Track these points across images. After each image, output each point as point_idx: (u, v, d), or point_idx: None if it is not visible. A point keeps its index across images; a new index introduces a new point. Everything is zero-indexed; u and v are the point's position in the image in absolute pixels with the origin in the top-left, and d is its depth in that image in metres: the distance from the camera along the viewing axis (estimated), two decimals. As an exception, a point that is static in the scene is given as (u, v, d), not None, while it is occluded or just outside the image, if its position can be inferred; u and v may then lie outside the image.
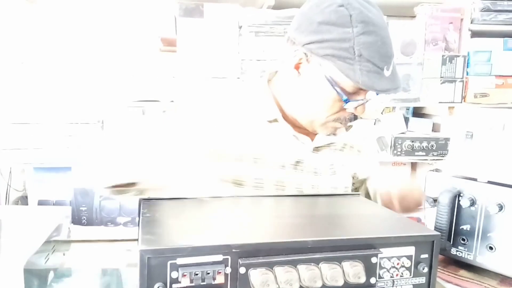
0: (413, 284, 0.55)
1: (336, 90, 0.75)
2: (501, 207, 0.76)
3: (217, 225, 0.59)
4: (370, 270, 0.52)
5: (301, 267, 0.49)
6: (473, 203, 0.79)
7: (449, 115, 1.96)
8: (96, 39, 1.73)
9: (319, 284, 0.49)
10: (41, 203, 1.77)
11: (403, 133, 1.93)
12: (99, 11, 1.69)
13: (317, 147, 0.90)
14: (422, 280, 0.56)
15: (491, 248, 0.77)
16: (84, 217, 1.80)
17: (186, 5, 1.71)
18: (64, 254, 0.75)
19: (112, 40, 1.70)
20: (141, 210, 0.61)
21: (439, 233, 0.57)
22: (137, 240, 0.66)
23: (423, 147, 1.87)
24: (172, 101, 1.73)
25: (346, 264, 0.51)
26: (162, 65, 1.71)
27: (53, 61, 2.00)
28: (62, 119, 1.70)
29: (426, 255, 0.55)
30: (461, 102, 1.87)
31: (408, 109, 2.10)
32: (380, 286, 0.54)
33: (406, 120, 2.00)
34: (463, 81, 1.86)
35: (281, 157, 0.85)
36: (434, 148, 1.87)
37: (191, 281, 0.46)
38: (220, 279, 0.47)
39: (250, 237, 0.51)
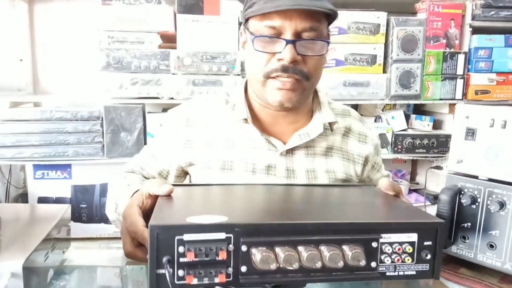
0: (416, 271, 0.55)
1: (254, 43, 0.76)
2: (502, 205, 0.75)
3: (222, 207, 0.62)
4: (371, 254, 0.53)
5: (300, 248, 0.51)
6: (474, 200, 0.79)
7: (449, 112, 1.95)
8: (94, 36, 1.72)
9: (319, 265, 0.51)
10: (41, 200, 1.77)
11: (403, 130, 1.93)
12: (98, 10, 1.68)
13: (291, 150, 0.84)
14: (426, 267, 0.56)
15: (491, 246, 0.77)
16: (84, 214, 1.80)
17: (186, 1, 1.71)
18: (64, 252, 0.75)
19: (112, 36, 1.69)
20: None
21: (443, 221, 0.56)
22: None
23: (423, 144, 1.86)
24: (172, 98, 1.72)
25: (345, 247, 0.52)
26: (162, 62, 1.70)
27: (52, 58, 2.00)
28: (62, 115, 1.70)
29: (429, 242, 0.55)
30: (462, 99, 1.87)
31: (409, 106, 2.10)
32: (381, 270, 0.54)
33: (407, 117, 2.00)
34: (464, 78, 1.85)
35: (251, 162, 0.83)
36: (434, 145, 1.87)
37: (196, 256, 0.49)
38: (222, 255, 0.50)
39: (252, 218, 0.54)
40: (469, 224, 0.80)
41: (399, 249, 0.54)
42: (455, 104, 1.90)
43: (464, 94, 1.87)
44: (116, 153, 1.73)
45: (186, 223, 0.50)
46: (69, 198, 1.79)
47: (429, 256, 0.55)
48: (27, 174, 1.77)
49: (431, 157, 1.92)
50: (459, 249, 0.82)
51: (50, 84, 2.03)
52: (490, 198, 0.77)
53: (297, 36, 0.74)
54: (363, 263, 0.52)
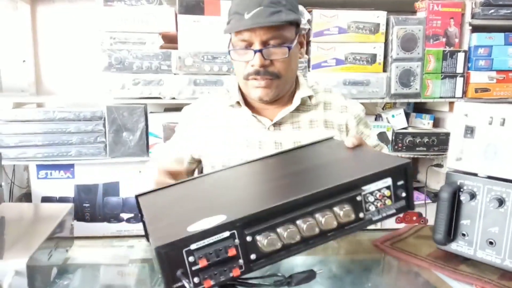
0: (395, 209, 0.64)
1: (230, 52, 0.95)
2: (501, 202, 0.76)
3: (213, 204, 0.63)
4: (357, 207, 0.60)
5: (299, 222, 0.56)
6: (473, 198, 0.80)
7: (449, 110, 1.95)
8: (96, 37, 1.73)
9: (317, 231, 0.57)
10: (44, 200, 1.79)
11: (404, 128, 1.93)
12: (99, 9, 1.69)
13: (278, 125, 1.01)
14: (403, 203, 0.64)
15: (491, 243, 0.78)
16: (87, 213, 1.81)
17: (187, 2, 1.71)
18: (67, 251, 0.76)
19: (114, 37, 1.70)
20: (141, 206, 0.65)
21: (409, 160, 0.64)
22: (143, 236, 0.68)
23: (424, 142, 1.87)
24: (174, 98, 1.73)
25: (336, 209, 0.58)
26: (163, 62, 1.71)
27: (54, 59, 2.02)
28: (65, 116, 1.71)
29: (402, 182, 0.63)
30: (462, 97, 1.87)
31: (409, 105, 2.10)
32: (368, 217, 0.61)
33: (407, 115, 2.00)
34: (464, 76, 1.86)
35: (245, 137, 1.00)
36: (435, 144, 1.87)
37: (208, 260, 0.51)
38: (232, 252, 0.52)
39: (248, 208, 0.56)
40: (469, 221, 0.81)
41: (380, 196, 0.61)
42: (455, 102, 1.90)
43: (464, 92, 1.87)
44: (119, 152, 1.74)
45: (189, 233, 0.50)
46: (72, 198, 1.80)
47: (404, 194, 0.63)
48: (30, 174, 1.79)
49: (432, 155, 1.93)
50: (458, 246, 0.82)
51: (53, 84, 2.04)
52: (489, 195, 0.78)
53: (264, 44, 0.91)
54: (352, 217, 0.59)
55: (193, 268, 0.50)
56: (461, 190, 0.81)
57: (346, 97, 1.11)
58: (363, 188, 0.60)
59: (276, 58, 0.93)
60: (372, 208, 0.61)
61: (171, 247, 0.49)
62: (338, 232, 0.59)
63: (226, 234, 0.52)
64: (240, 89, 1.03)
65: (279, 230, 0.55)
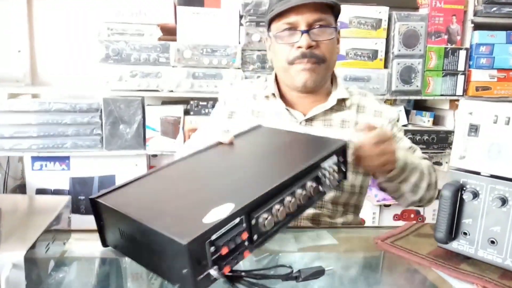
0: (339, 180, 0.80)
1: (277, 38, 0.97)
2: (504, 201, 0.75)
3: (208, 194, 0.66)
4: (319, 181, 0.73)
5: (286, 200, 0.65)
6: (475, 196, 0.79)
7: (450, 108, 1.95)
8: (93, 27, 1.70)
9: (296, 206, 0.67)
10: (39, 192, 1.77)
11: (404, 125, 1.93)
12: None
13: (310, 121, 1.02)
14: (343, 174, 0.81)
15: (492, 242, 0.77)
16: (83, 206, 1.79)
17: (187, -7, 1.69)
18: (64, 244, 0.75)
19: (112, 28, 1.68)
20: (109, 208, 0.65)
21: (346, 140, 0.81)
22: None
23: (424, 140, 1.86)
24: (171, 91, 1.71)
25: (308, 184, 0.70)
26: (161, 54, 1.69)
27: (50, 50, 1.99)
28: (61, 107, 1.68)
29: (342, 158, 0.80)
30: (462, 95, 1.86)
31: (409, 102, 2.10)
32: (325, 188, 0.75)
33: (407, 112, 1.99)
34: (465, 74, 1.85)
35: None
36: (435, 141, 1.87)
37: (228, 248, 0.55)
38: (244, 236, 0.57)
39: (249, 194, 0.61)
40: (471, 220, 0.80)
41: (331, 170, 0.76)
42: (455, 100, 1.90)
43: (465, 90, 1.87)
44: (115, 145, 1.72)
45: (210, 225, 0.53)
46: (67, 190, 1.78)
47: (343, 167, 0.80)
48: (25, 166, 1.77)
49: (431, 153, 1.92)
50: (460, 245, 0.82)
51: (49, 75, 2.02)
52: (492, 194, 0.77)
53: (309, 27, 0.93)
54: (318, 189, 0.72)
55: (213, 257, 0.53)
56: (464, 188, 0.81)
57: (380, 101, 1.11)
58: (321, 165, 0.73)
59: (322, 39, 0.94)
60: (326, 180, 0.75)
61: (195, 242, 0.51)
62: (309, 202, 0.70)
63: (237, 220, 0.56)
64: (276, 81, 1.05)
65: (273, 210, 0.62)
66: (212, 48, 1.70)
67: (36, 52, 2.00)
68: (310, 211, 0.99)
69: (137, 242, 0.62)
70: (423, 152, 1.88)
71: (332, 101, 1.02)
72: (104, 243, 0.71)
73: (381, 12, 1.77)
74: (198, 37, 1.70)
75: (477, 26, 1.85)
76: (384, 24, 1.78)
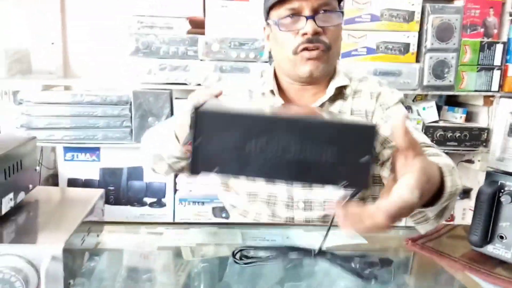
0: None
1: (279, 26, 0.89)
2: (545, 205, 0.72)
3: None
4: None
5: None
6: (514, 199, 0.76)
7: (484, 104, 1.88)
8: (124, 21, 1.72)
9: None
10: (70, 181, 1.82)
11: (435, 121, 1.88)
12: None
13: None
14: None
15: (531, 247, 0.74)
16: (112, 196, 1.84)
17: (216, -14, 1.69)
18: (98, 236, 0.77)
19: (142, 21, 1.70)
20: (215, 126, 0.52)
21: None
22: (170, 223, 0.67)
23: (455, 137, 1.81)
24: (199, 84, 1.72)
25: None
26: (190, 48, 1.70)
27: (82, 43, 2.03)
28: (92, 99, 1.72)
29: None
30: (498, 91, 1.79)
31: (441, 97, 2.04)
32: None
33: (439, 108, 1.94)
34: (501, 69, 1.78)
35: None
36: (467, 139, 1.81)
37: None
38: None
39: None
40: (508, 223, 0.77)
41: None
42: (490, 96, 1.83)
43: (501, 86, 1.80)
44: (144, 137, 1.75)
45: None
46: (97, 181, 1.83)
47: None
48: (57, 156, 1.82)
49: (463, 150, 1.86)
50: (495, 249, 0.79)
51: (80, 68, 2.06)
52: (532, 198, 0.74)
53: (315, 12, 0.86)
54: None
55: None
56: (502, 191, 0.78)
57: (382, 83, 1.02)
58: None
59: (329, 25, 0.87)
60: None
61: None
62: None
63: None
64: (275, 76, 0.98)
65: None
66: (240, 42, 1.70)
67: (69, 45, 2.05)
68: (319, 212, 0.95)
69: (273, 150, 0.49)
70: (454, 150, 1.85)
71: (330, 91, 0.94)
72: (196, 170, 0.51)
73: (414, 4, 1.72)
74: (226, 30, 1.70)
75: (516, 19, 1.77)
76: (417, 17, 1.73)
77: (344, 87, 0.97)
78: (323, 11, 0.86)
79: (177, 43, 1.70)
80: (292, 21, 0.87)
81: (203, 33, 1.72)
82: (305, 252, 0.70)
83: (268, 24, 0.95)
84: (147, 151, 0.94)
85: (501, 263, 0.79)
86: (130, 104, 1.73)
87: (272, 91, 0.96)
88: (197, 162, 0.48)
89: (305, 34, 0.86)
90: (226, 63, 1.71)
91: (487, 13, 1.75)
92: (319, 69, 0.89)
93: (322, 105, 0.95)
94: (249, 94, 0.99)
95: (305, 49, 0.87)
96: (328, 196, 0.95)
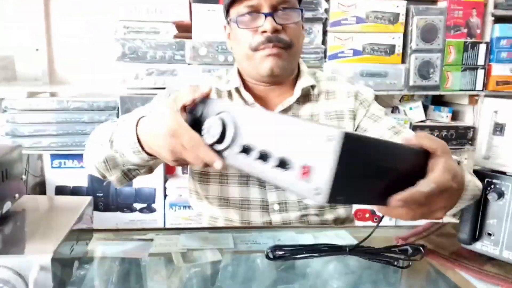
0: None
1: (238, 23, 0.87)
2: (530, 202, 0.73)
3: None
4: None
5: None
6: (501, 197, 0.77)
7: (469, 103, 1.91)
8: (110, 26, 1.71)
9: None
10: (58, 189, 1.80)
11: (422, 121, 1.90)
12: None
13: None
14: None
15: (518, 243, 0.75)
16: (101, 203, 1.82)
17: (202, -10, 1.69)
18: (87, 244, 0.75)
19: (128, 26, 1.69)
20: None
21: None
22: (161, 229, 0.66)
23: (442, 136, 1.83)
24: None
25: None
26: (177, 52, 1.69)
27: (67, 48, 2.01)
28: (79, 105, 1.70)
29: None
30: (482, 90, 1.82)
31: (427, 97, 2.06)
32: None
33: (425, 108, 1.96)
34: (485, 69, 1.81)
35: None
36: (453, 137, 1.84)
37: None
38: None
39: None
40: (495, 220, 0.79)
41: None
42: (475, 95, 1.86)
43: (485, 85, 1.83)
44: (132, 143, 1.74)
45: None
46: (86, 187, 1.81)
47: None
48: (44, 163, 1.80)
49: (450, 149, 1.89)
50: (484, 246, 0.80)
51: (66, 74, 2.04)
52: (518, 194, 0.75)
53: (274, 9, 0.85)
54: None
55: None
56: (489, 188, 0.79)
57: (351, 81, 1.01)
58: None
59: (288, 22, 0.86)
60: None
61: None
62: None
63: None
64: (239, 74, 0.95)
65: None
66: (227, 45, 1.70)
67: (54, 51, 2.02)
68: (295, 213, 0.93)
69: (390, 176, 0.50)
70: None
71: (297, 92, 0.92)
72: (333, 197, 0.44)
73: (399, 6, 1.74)
74: (214, 35, 1.70)
75: (498, 19, 1.80)
76: (402, 18, 1.75)
77: (312, 87, 0.95)
78: (282, 9, 0.85)
79: (164, 47, 1.69)
80: (251, 19, 0.86)
81: (190, 38, 1.71)
82: (338, 248, 0.72)
83: (228, 22, 0.93)
84: (95, 153, 0.77)
85: (490, 259, 0.80)
86: (118, 110, 1.72)
87: (237, 89, 0.93)
88: (336, 188, 0.43)
89: (264, 31, 0.84)
90: (214, 67, 1.71)
91: (470, 13, 1.79)
92: (279, 67, 0.86)
93: (290, 107, 0.93)
94: (216, 93, 0.95)
95: (266, 47, 0.85)
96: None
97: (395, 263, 0.69)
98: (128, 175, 0.79)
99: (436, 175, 0.54)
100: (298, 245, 0.72)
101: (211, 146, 0.59)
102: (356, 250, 0.69)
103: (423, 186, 0.51)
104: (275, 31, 0.84)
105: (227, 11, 0.92)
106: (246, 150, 0.54)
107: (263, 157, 0.51)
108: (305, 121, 0.50)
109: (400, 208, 0.53)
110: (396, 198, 0.49)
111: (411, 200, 0.50)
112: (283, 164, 0.48)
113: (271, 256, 0.68)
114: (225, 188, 0.93)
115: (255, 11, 0.85)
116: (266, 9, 0.84)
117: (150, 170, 0.85)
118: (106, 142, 0.74)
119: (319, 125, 0.45)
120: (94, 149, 0.78)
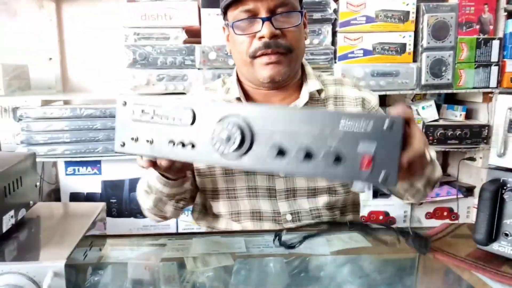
0: None
1: (234, 29, 0.84)
2: (549, 200, 0.71)
3: None
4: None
5: None
6: (518, 196, 0.75)
7: (483, 101, 1.88)
8: (120, 33, 1.73)
9: None
10: (73, 195, 1.82)
11: (435, 120, 1.87)
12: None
13: None
14: None
15: (537, 243, 0.73)
16: (114, 209, 1.84)
17: (210, -5, 1.69)
18: (100, 249, 0.76)
19: (138, 33, 1.70)
20: None
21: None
22: (173, 234, 0.67)
23: (456, 135, 1.80)
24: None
25: None
26: (187, 57, 1.70)
27: (80, 57, 2.04)
28: (91, 112, 1.73)
29: None
30: (496, 87, 1.79)
31: (440, 96, 2.03)
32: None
33: (438, 107, 1.93)
34: (499, 65, 1.77)
35: None
36: (467, 136, 1.80)
37: None
38: None
39: None
40: (512, 220, 0.77)
41: None
42: (489, 92, 1.82)
43: (499, 82, 1.79)
44: (144, 148, 1.75)
45: None
46: (99, 194, 1.83)
47: None
48: (59, 170, 1.82)
49: (464, 148, 1.86)
50: (501, 246, 0.79)
51: (79, 81, 2.07)
52: (535, 193, 0.73)
53: (272, 13, 0.81)
54: None
55: None
56: (505, 188, 0.77)
57: (358, 86, 0.99)
58: None
59: (287, 26, 0.82)
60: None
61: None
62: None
63: None
64: (239, 82, 0.92)
65: None
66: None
67: (67, 59, 2.06)
68: (308, 222, 0.92)
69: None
70: (455, 148, 1.84)
71: (304, 96, 0.89)
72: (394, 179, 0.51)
73: (409, 4, 1.72)
74: (223, 39, 1.70)
75: (511, 14, 1.77)
76: (412, 17, 1.73)
77: (319, 92, 0.92)
78: (280, 12, 0.81)
79: (174, 53, 1.70)
80: (248, 24, 0.82)
81: (199, 42, 1.72)
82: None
83: (226, 24, 0.90)
84: (146, 203, 0.93)
85: (507, 260, 0.78)
86: (130, 116, 1.73)
87: (238, 99, 0.90)
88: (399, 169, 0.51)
89: (262, 37, 0.81)
90: (224, 71, 1.71)
91: (482, 9, 1.76)
92: (280, 74, 0.84)
93: None
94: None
95: (264, 54, 0.82)
96: (313, 204, 0.92)
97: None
98: (178, 207, 0.91)
99: (421, 137, 0.59)
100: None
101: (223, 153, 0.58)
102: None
103: (417, 147, 0.57)
104: (274, 36, 0.81)
105: (224, 13, 0.88)
106: (279, 151, 0.52)
107: (307, 155, 0.51)
108: (344, 112, 0.52)
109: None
110: (405, 161, 0.54)
111: (413, 158, 0.55)
112: (334, 159, 0.50)
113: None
114: (234, 202, 0.93)
115: (252, 16, 0.82)
116: (263, 14, 0.81)
117: (192, 199, 0.97)
118: (147, 190, 0.89)
119: (369, 114, 0.49)
120: (143, 200, 0.94)
